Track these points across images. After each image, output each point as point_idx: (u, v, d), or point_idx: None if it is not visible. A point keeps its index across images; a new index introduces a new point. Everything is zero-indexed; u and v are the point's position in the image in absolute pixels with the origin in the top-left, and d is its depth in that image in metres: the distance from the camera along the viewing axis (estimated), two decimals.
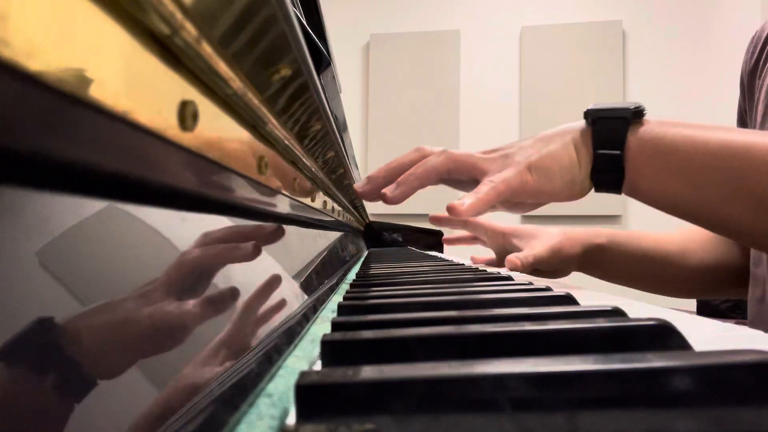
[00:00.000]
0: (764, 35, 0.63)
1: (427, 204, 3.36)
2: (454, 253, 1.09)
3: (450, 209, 0.43)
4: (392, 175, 0.49)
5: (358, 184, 0.52)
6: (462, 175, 0.47)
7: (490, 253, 0.85)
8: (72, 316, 0.10)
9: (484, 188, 0.44)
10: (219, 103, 0.17)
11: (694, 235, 0.74)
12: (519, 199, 0.46)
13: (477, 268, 0.58)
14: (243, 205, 0.25)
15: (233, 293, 0.19)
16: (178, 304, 0.15)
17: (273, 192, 0.27)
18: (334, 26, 3.08)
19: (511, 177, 0.44)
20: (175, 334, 0.14)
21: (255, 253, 0.25)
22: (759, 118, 0.62)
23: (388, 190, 0.46)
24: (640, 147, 0.44)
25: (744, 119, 0.74)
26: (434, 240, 1.43)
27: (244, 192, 0.23)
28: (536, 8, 3.11)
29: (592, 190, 0.49)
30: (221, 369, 0.15)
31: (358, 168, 1.56)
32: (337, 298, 0.40)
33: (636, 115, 0.44)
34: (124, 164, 0.13)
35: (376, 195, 0.50)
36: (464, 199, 0.43)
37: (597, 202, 2.92)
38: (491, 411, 0.12)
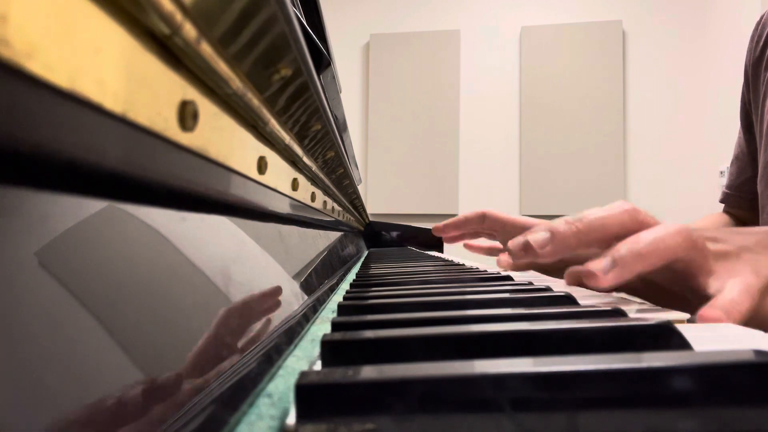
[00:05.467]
0: None
1: (427, 203, 3.35)
2: (454, 254, 1.09)
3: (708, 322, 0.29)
4: (591, 237, 0.35)
5: (537, 239, 0.37)
6: (685, 266, 0.33)
7: (484, 242, 0.82)
8: (72, 316, 0.10)
9: (739, 296, 0.31)
10: (219, 103, 0.17)
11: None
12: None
13: (477, 268, 0.58)
14: (243, 205, 0.25)
15: (233, 293, 0.19)
16: (179, 303, 0.15)
17: (273, 192, 0.27)
18: (334, 26, 3.08)
19: (757, 294, 0.31)
20: (176, 333, 0.14)
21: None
22: (766, 112, 0.61)
23: (597, 268, 0.31)
24: None
25: (747, 111, 0.72)
26: (434, 240, 1.43)
27: (244, 192, 0.23)
28: (536, 8, 3.11)
29: None
30: (221, 369, 0.15)
31: (358, 168, 1.56)
32: (337, 298, 0.40)
33: None
34: (124, 164, 0.13)
35: (558, 255, 0.36)
36: (721, 304, 0.30)
37: (597, 201, 2.92)
38: (491, 411, 0.12)
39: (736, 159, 0.78)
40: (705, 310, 0.30)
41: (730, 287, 0.31)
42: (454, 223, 0.75)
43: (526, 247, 0.38)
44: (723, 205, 0.82)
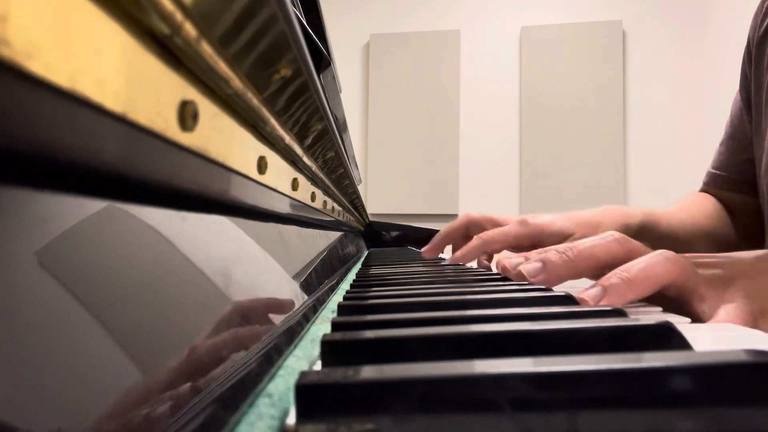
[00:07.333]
0: None
1: (427, 203, 3.35)
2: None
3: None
4: (582, 266, 0.37)
5: (529, 269, 0.38)
6: (678, 293, 0.34)
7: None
8: (72, 316, 0.10)
9: (731, 319, 0.31)
10: (219, 103, 0.17)
11: (700, 213, 0.73)
12: None
13: (477, 269, 0.58)
14: (243, 205, 0.25)
15: (233, 293, 0.19)
16: (179, 303, 0.15)
17: (273, 192, 0.27)
18: (334, 26, 3.08)
19: (749, 318, 0.31)
20: (176, 333, 0.14)
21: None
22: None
23: (589, 297, 0.31)
24: None
25: (748, 88, 0.69)
26: None
27: (244, 192, 0.23)
28: (536, 8, 3.11)
29: None
30: (221, 369, 0.15)
31: (358, 168, 1.56)
32: (337, 298, 0.40)
33: None
34: (124, 164, 0.13)
35: (550, 285, 0.38)
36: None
37: (597, 201, 2.92)
38: (491, 411, 0.12)
39: (730, 138, 0.73)
40: None
41: (722, 312, 0.32)
42: (443, 239, 0.75)
43: (519, 275, 0.40)
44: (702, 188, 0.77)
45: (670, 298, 0.35)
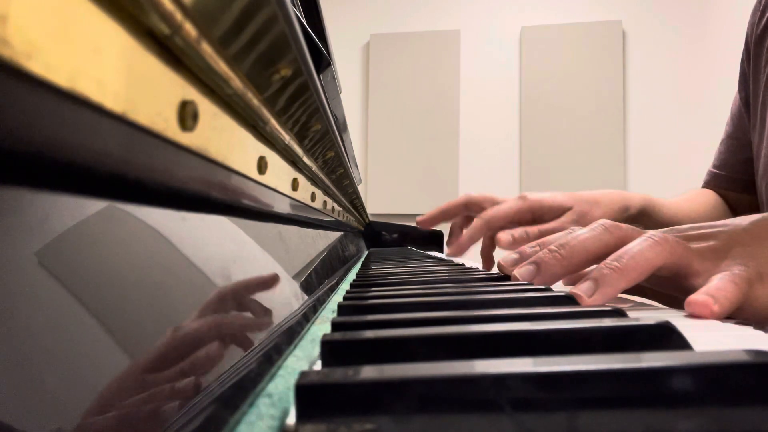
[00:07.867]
0: None
1: (427, 203, 3.35)
2: None
3: (695, 307, 0.30)
4: (576, 261, 0.37)
5: (524, 273, 0.38)
6: (671, 272, 0.34)
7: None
8: (72, 316, 0.10)
9: (723, 284, 0.31)
10: (219, 103, 0.17)
11: (701, 205, 0.72)
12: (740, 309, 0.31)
13: (477, 269, 0.58)
14: (243, 205, 0.25)
15: (233, 292, 0.19)
16: (179, 303, 0.15)
17: (273, 192, 0.27)
18: (334, 26, 3.09)
19: (743, 283, 0.31)
20: (176, 333, 0.14)
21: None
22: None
23: (582, 291, 0.31)
24: None
25: (747, 86, 0.69)
26: (434, 240, 1.43)
27: (244, 192, 0.23)
28: (536, 8, 3.11)
29: None
30: (221, 369, 0.15)
31: (358, 168, 1.56)
32: (337, 298, 0.40)
33: None
34: (123, 164, 0.13)
35: (552, 281, 0.38)
36: (709, 297, 0.30)
37: None
38: (491, 411, 0.12)
39: (730, 138, 0.73)
40: (692, 297, 0.30)
41: (716, 279, 0.32)
42: (440, 212, 0.74)
43: (514, 278, 0.40)
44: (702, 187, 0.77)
45: (666, 278, 0.34)
